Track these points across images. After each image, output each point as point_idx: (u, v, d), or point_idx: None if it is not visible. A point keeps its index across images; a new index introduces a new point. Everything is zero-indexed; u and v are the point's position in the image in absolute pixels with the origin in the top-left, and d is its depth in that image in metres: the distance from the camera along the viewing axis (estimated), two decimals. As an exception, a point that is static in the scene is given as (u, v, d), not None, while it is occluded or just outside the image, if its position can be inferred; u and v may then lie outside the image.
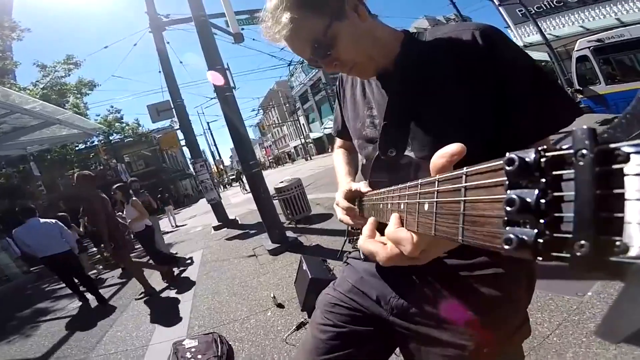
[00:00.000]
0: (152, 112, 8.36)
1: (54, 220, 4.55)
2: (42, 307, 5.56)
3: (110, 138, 20.96)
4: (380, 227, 0.51)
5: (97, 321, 3.84)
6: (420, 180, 0.39)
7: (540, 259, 0.21)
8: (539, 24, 12.91)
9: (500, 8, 15.14)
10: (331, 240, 4.19)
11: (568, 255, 0.19)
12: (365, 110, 0.80)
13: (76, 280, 4.71)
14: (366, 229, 0.54)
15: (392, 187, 0.50)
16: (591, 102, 7.36)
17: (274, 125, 58.54)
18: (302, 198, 5.75)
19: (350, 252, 0.93)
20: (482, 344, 0.67)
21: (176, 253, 6.09)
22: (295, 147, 53.37)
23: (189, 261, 5.36)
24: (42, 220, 4.42)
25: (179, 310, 3.36)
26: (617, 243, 0.17)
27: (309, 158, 38.49)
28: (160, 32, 7.91)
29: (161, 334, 2.92)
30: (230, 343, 2.28)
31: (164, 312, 3.47)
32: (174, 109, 8.30)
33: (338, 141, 1.08)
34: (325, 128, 40.06)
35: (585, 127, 0.19)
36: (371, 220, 0.56)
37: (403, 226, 0.44)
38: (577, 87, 7.55)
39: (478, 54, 0.62)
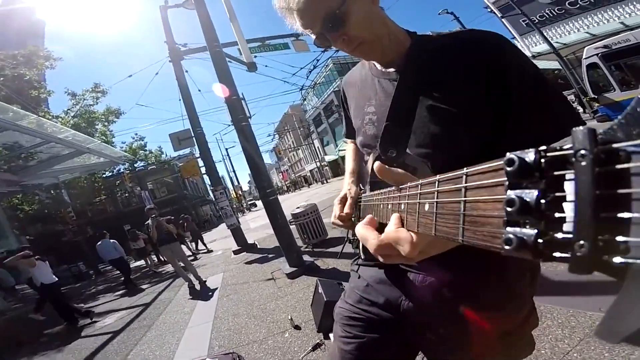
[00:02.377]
0: (174, 141, 8.69)
1: (112, 240, 8.31)
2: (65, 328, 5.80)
3: (135, 166, 21.88)
4: (381, 227, 0.52)
5: (123, 340, 4.03)
6: (420, 181, 0.40)
7: (541, 259, 0.21)
8: (544, 33, 12.83)
9: (503, 20, 15.34)
10: (347, 263, 4.23)
11: (568, 255, 0.20)
12: (366, 108, 0.81)
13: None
14: (367, 218, 0.55)
15: (392, 187, 0.50)
16: (609, 110, 7.18)
17: (289, 150, 59.66)
18: (318, 222, 5.86)
19: (354, 260, 0.97)
20: (491, 339, 0.71)
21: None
22: (311, 171, 53.86)
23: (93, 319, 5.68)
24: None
25: (201, 331, 3.48)
26: (617, 243, 0.17)
27: (325, 181, 38.71)
28: (178, 61, 8.31)
29: (183, 353, 3.04)
30: (249, 363, 2.37)
31: (186, 332, 3.60)
32: (194, 138, 8.61)
33: None
34: (340, 150, 40.40)
35: (585, 127, 0.19)
36: (370, 215, 0.56)
37: (403, 226, 0.45)
38: (592, 96, 7.41)
39: (486, 60, 0.64)
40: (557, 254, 0.21)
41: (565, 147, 0.21)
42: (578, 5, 13.40)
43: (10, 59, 11.46)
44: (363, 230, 0.52)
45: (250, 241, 8.62)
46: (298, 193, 36.34)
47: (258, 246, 8.19)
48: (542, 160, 0.22)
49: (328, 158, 45.69)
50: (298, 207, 6.03)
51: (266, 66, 9.43)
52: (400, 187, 0.47)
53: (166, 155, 22.84)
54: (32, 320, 6.31)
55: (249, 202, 47.96)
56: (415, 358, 0.88)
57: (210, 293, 5.05)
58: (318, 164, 44.96)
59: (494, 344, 0.72)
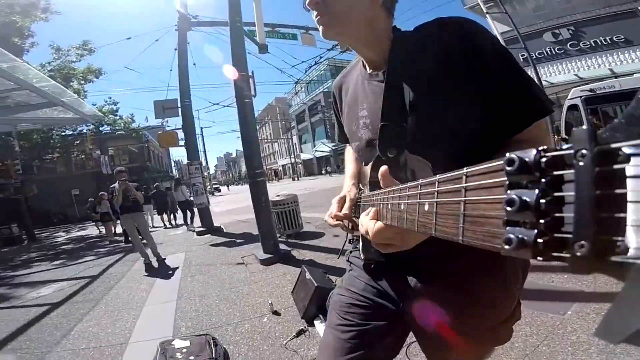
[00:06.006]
0: (158, 109, 8.38)
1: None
2: (-5, 294, 5.14)
3: (101, 129, 20.50)
4: None
5: (63, 314, 3.56)
6: (420, 181, 0.39)
7: (540, 259, 0.21)
8: (537, 70, 13.23)
9: (505, 51, 16.31)
10: (324, 256, 4.15)
11: (568, 255, 0.20)
12: (359, 112, 0.81)
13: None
14: (370, 212, 0.60)
15: (392, 188, 0.50)
16: None
17: (265, 141, 58.81)
18: (296, 214, 5.76)
19: (351, 252, 0.96)
20: (483, 332, 0.75)
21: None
22: (283, 166, 53.52)
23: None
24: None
25: (162, 310, 3.18)
26: (617, 243, 0.17)
27: (296, 178, 38.50)
28: (185, 31, 8.15)
29: (142, 333, 2.74)
30: (224, 346, 2.17)
31: (145, 310, 3.28)
32: (180, 108, 8.33)
33: None
34: (316, 151, 40.48)
35: (585, 127, 0.19)
36: (374, 209, 0.60)
37: (378, 219, 0.55)
38: (564, 136, 7.66)
39: (460, 43, 0.64)
40: (556, 254, 0.21)
41: (565, 147, 0.21)
42: (578, 48, 14.23)
43: (6, 8, 10.42)
44: (363, 221, 0.60)
45: (215, 224, 8.28)
46: (269, 185, 35.79)
47: (224, 230, 7.87)
48: (542, 160, 0.22)
49: (304, 156, 45.66)
50: (278, 195, 5.89)
51: (268, 52, 9.23)
52: (400, 187, 0.47)
53: (137, 124, 21.74)
54: None
55: (214, 187, 46.58)
56: (401, 348, 0.89)
57: (171, 272, 4.70)
58: (292, 160, 44.75)
59: (483, 337, 0.77)
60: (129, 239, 8.34)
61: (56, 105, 7.14)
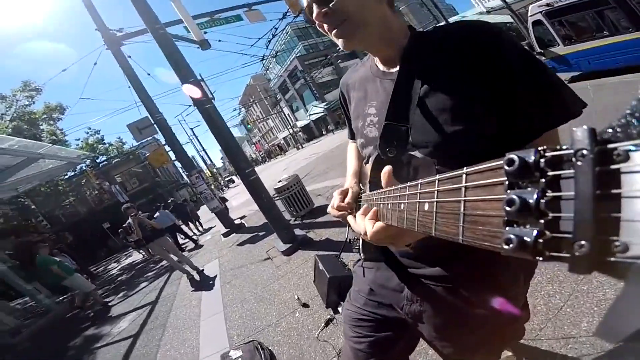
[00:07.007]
0: (134, 132, 8.13)
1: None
2: (90, 334, 5.83)
3: (97, 161, 20.76)
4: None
5: (145, 343, 4.07)
6: (420, 180, 0.40)
7: (540, 258, 0.22)
8: None
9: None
10: (339, 231, 4.37)
11: (568, 255, 0.20)
12: (366, 109, 0.81)
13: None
14: (362, 209, 0.61)
15: (392, 187, 0.51)
16: (554, 62, 7.73)
17: (258, 120, 57.97)
18: (303, 193, 5.88)
19: (356, 262, 1.03)
20: (486, 335, 0.78)
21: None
22: (285, 138, 53.11)
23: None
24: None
25: (215, 322, 3.55)
26: (617, 243, 0.17)
27: (300, 147, 38.35)
28: (117, 47, 7.60)
29: (207, 348, 3.10)
30: (270, 348, 2.47)
31: (202, 325, 3.67)
32: (155, 125, 8.08)
33: None
34: (310, 114, 39.74)
35: (585, 127, 0.19)
36: (373, 209, 0.60)
37: (377, 219, 0.55)
38: (539, 50, 7.91)
39: (484, 50, 0.62)
40: (556, 254, 0.21)
41: (565, 146, 0.21)
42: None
43: None
44: (358, 222, 0.60)
45: (236, 221, 8.64)
46: (274, 162, 35.90)
47: (246, 225, 8.23)
48: (542, 159, 0.22)
49: (300, 123, 45.02)
50: (280, 181, 5.96)
51: (220, 41, 8.66)
52: (400, 186, 0.47)
53: (131, 145, 21.86)
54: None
55: (226, 179, 47.19)
56: (417, 344, 0.98)
57: (211, 282, 5.10)
58: (291, 130, 44.27)
59: (488, 336, 0.79)
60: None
61: (36, 159, 7.19)
